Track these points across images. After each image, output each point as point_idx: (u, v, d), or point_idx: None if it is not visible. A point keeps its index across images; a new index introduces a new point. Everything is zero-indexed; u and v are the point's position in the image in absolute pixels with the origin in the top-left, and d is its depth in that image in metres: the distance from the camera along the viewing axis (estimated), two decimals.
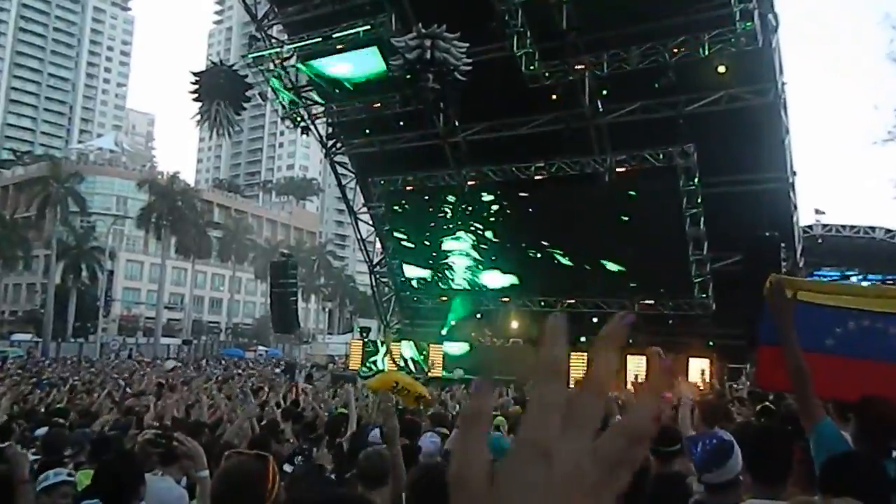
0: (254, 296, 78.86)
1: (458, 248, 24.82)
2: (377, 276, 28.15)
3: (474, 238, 24.27)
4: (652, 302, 21.81)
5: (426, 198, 24.39)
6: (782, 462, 2.51)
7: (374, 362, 23.48)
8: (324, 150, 26.55)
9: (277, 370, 28.19)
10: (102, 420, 6.25)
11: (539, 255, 22.85)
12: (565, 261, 22.45)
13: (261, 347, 53.74)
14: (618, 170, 20.57)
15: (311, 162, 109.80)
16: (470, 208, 23.85)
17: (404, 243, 25.90)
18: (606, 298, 22.53)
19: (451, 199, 24.15)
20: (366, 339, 25.34)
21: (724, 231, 19.53)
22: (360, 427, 6.39)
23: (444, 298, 25.76)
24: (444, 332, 25.01)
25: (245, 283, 77.88)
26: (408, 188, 24.55)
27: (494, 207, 23.57)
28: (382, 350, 23.99)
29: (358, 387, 15.68)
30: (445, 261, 25.12)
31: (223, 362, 36.68)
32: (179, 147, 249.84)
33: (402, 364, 22.84)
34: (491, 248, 24.11)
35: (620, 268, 21.70)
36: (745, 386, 13.15)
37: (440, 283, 25.87)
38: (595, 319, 22.58)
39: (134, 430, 6.19)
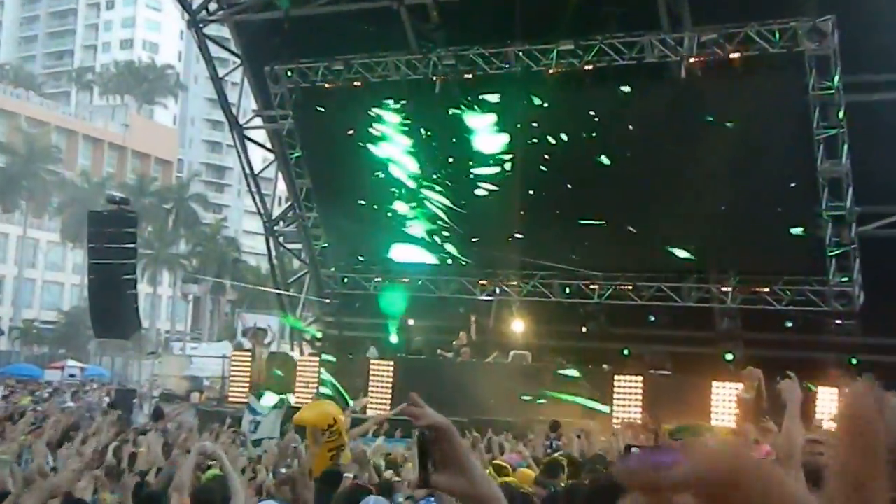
0: (60, 272, 78.12)
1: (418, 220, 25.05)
2: (278, 239, 28.06)
3: (447, 181, 24.35)
4: (758, 290, 21.92)
5: (368, 102, 24.32)
6: None
7: (281, 381, 23.51)
8: (186, 17, 26.21)
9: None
10: None
11: (559, 212, 22.91)
12: (597, 224, 22.52)
13: (72, 363, 53.27)
14: (701, 59, 20.59)
15: (162, 37, 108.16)
16: (443, 122, 23.89)
17: (327, 181, 25.81)
18: (676, 283, 22.79)
19: (409, 104, 24.13)
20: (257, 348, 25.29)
21: (880, 170, 19.64)
22: None
23: (398, 279, 25.86)
24: (393, 338, 25.23)
25: (46, 250, 77.01)
26: (336, 84, 24.37)
27: (485, 121, 23.46)
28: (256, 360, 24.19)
29: (246, 432, 15.70)
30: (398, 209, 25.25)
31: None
32: None
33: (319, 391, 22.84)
34: (476, 199, 24.07)
35: (700, 230, 21.78)
36: None
37: (385, 256, 25.93)
38: (653, 318, 22.89)
39: None
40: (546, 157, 22.83)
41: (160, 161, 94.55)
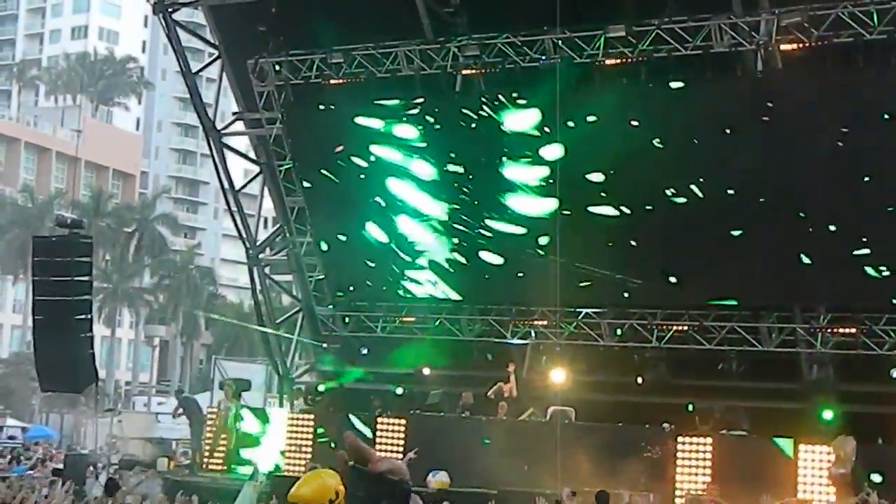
0: None
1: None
2: (264, 270, 28.11)
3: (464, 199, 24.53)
4: (854, 331, 21.71)
5: (375, 101, 24.36)
6: None
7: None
8: (152, 0, 26.20)
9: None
10: None
11: (607, 235, 23.05)
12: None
13: (11, 421, 53.32)
14: (781, 47, 20.52)
15: (122, 24, 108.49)
16: (464, 136, 23.97)
17: (324, 199, 25.88)
18: (752, 322, 22.66)
19: (424, 103, 24.14)
20: (236, 409, 25.32)
21: None
22: None
23: (411, 319, 25.98)
24: (399, 390, 25.43)
25: None
26: (335, 81, 24.44)
27: (515, 125, 23.49)
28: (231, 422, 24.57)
29: None
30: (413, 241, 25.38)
31: None
32: None
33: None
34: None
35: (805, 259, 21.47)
36: None
37: (398, 287, 25.94)
38: (722, 366, 22.83)
39: None
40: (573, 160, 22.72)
41: (120, 174, 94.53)
